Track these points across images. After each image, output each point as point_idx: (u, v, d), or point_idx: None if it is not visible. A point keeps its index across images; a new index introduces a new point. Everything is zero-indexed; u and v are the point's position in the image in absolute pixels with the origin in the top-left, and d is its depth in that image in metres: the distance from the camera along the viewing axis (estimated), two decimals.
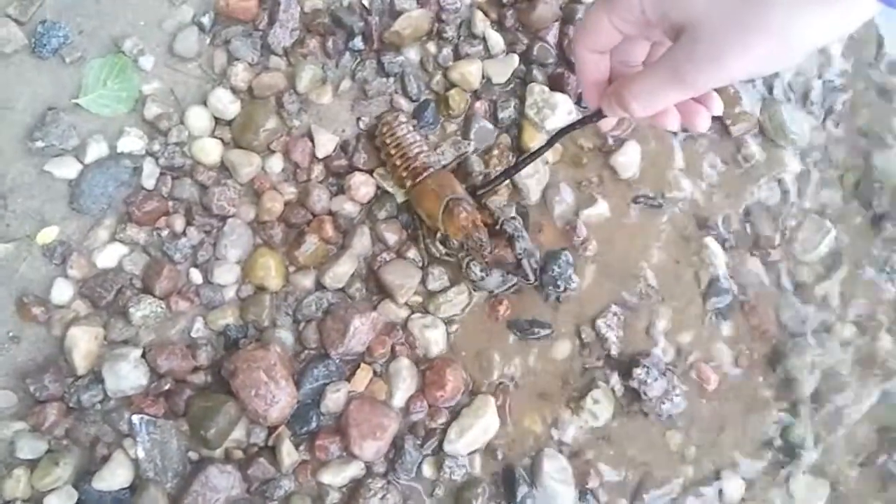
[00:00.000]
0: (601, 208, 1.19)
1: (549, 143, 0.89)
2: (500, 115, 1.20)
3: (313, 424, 1.06)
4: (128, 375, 1.03)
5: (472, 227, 1.05)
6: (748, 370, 1.17)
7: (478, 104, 1.21)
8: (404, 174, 1.10)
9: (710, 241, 1.20)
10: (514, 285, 1.12)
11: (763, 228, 1.22)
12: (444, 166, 1.14)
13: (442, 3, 1.21)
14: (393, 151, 1.11)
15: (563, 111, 1.18)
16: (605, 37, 0.70)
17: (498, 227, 1.09)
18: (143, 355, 1.05)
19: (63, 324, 1.05)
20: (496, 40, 1.22)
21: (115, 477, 1.01)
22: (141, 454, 1.01)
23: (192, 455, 1.04)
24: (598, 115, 0.75)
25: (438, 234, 1.09)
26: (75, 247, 1.08)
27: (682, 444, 1.13)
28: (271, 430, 1.05)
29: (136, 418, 1.02)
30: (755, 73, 0.63)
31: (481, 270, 1.08)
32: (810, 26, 0.57)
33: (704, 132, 0.83)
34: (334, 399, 1.06)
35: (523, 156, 0.91)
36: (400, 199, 1.15)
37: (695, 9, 0.60)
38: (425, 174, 1.09)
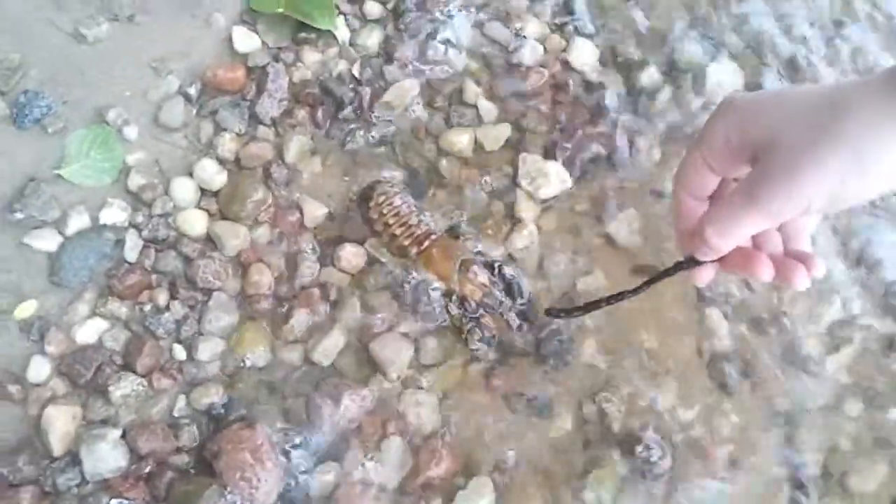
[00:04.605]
0: (598, 278, 1.17)
1: (641, 288, 0.86)
2: (493, 183, 1.18)
3: None
4: (106, 457, 0.99)
5: (490, 284, 1.06)
6: (755, 446, 1.12)
7: (470, 172, 1.19)
8: (407, 242, 1.09)
9: (712, 311, 1.17)
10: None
11: (766, 298, 1.19)
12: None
13: (430, 75, 1.20)
14: (391, 221, 1.10)
15: (556, 180, 1.17)
16: (700, 177, 0.68)
17: (496, 272, 1.10)
18: (123, 436, 1.01)
19: (39, 403, 1.01)
20: (488, 108, 1.22)
21: None
22: None
23: None
24: (691, 262, 0.71)
25: (454, 297, 1.08)
26: (54, 321, 1.05)
27: None
28: None
29: (114, 503, 0.97)
30: (833, 198, 0.57)
31: (479, 340, 1.07)
32: (888, 147, 0.53)
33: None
34: (323, 482, 1.01)
35: (607, 296, 0.89)
36: (395, 269, 1.13)
37: (772, 125, 0.58)
38: (428, 241, 1.09)
